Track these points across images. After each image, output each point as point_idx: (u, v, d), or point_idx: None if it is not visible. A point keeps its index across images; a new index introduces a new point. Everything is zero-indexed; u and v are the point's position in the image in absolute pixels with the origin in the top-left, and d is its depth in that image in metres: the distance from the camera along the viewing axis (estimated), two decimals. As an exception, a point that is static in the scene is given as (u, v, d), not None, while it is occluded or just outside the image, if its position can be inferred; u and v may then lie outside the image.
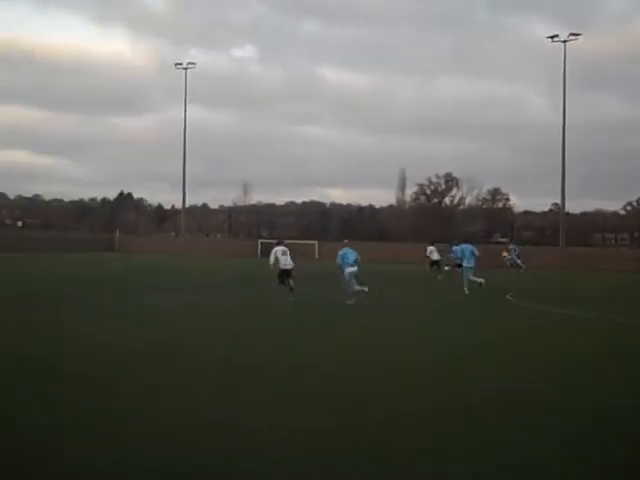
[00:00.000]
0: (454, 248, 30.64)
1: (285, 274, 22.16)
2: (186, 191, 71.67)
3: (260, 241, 64.84)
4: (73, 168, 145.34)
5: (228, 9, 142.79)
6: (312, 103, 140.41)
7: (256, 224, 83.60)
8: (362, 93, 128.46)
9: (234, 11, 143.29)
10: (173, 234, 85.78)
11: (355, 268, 21.30)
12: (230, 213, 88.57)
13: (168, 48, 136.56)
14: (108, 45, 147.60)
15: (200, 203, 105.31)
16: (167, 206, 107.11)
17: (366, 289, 21.30)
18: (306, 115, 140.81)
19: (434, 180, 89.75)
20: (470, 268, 26.29)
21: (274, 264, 22.18)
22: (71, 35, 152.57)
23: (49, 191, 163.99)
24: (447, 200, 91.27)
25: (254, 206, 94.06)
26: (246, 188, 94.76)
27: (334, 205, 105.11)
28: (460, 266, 27.55)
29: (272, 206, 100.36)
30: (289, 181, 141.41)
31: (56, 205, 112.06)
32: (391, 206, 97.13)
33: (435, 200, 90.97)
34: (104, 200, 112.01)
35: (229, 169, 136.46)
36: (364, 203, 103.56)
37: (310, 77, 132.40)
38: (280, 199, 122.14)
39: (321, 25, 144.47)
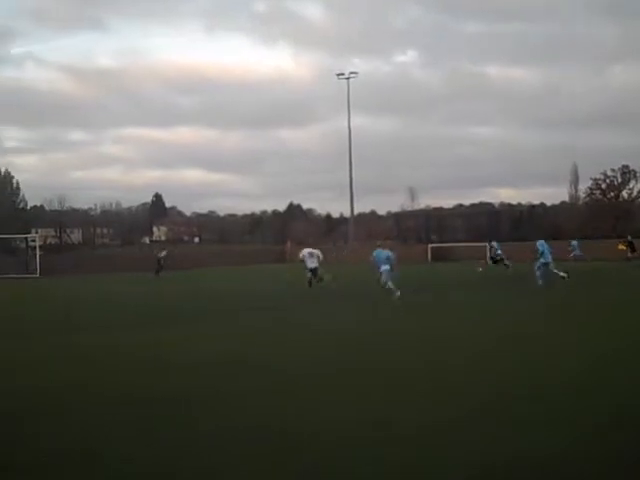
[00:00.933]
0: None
1: (312, 272, 27.68)
2: (353, 199, 72.24)
3: (430, 246, 64.08)
4: (245, 183, 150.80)
5: (387, 15, 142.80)
6: (477, 103, 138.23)
7: (425, 228, 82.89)
8: (529, 89, 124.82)
9: (394, 17, 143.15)
10: (343, 242, 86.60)
11: (387, 266, 23.15)
12: (398, 219, 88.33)
13: (329, 59, 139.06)
14: (272, 61, 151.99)
15: (368, 210, 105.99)
16: (335, 215, 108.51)
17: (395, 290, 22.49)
18: (472, 115, 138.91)
19: (609, 174, 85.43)
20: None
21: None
22: (238, 55, 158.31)
23: (223, 206, 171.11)
24: (624, 194, 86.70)
25: (422, 210, 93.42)
26: (413, 193, 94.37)
27: (503, 205, 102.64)
28: None
29: (440, 209, 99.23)
30: (456, 183, 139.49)
31: (230, 220, 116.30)
32: (563, 203, 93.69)
33: (611, 194, 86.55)
34: (275, 212, 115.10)
35: (395, 175, 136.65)
36: (535, 201, 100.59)
37: (474, 76, 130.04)
38: (448, 202, 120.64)
39: (483, 23, 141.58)
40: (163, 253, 44.80)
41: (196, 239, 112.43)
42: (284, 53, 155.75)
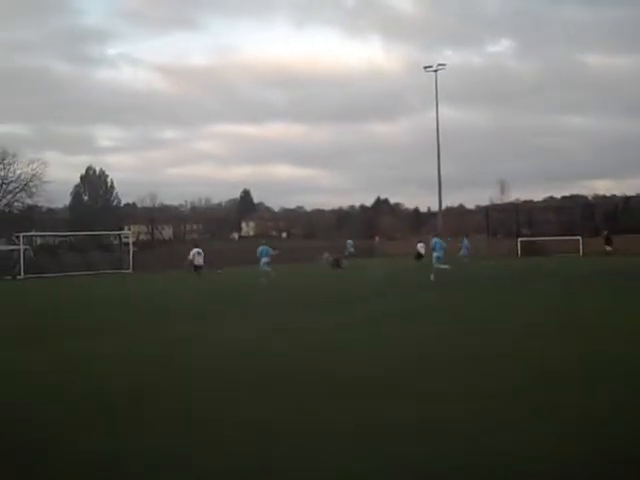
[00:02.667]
0: None
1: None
2: (442, 192, 71.32)
3: (520, 239, 62.73)
4: (332, 178, 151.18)
5: (480, 5, 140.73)
6: (573, 92, 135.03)
7: (515, 222, 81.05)
8: (629, 77, 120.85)
9: (486, 6, 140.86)
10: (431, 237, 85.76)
11: (437, 253, 31.39)
12: (487, 212, 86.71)
13: (420, 51, 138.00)
14: (362, 55, 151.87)
15: (456, 204, 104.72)
16: (423, 209, 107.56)
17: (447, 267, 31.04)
18: (567, 105, 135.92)
19: None
20: None
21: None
22: (328, 49, 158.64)
23: (310, 201, 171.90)
24: None
25: (512, 204, 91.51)
26: (503, 186, 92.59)
27: (597, 197, 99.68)
28: None
29: (531, 202, 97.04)
30: (548, 175, 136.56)
31: (317, 215, 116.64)
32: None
33: None
34: (362, 207, 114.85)
35: (485, 167, 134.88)
36: (632, 193, 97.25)
37: (571, 65, 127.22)
38: (539, 195, 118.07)
39: (580, 10, 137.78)
40: (193, 252, 41.23)
41: (284, 234, 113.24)
42: (374, 46, 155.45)
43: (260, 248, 34.24)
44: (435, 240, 32.87)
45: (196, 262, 36.28)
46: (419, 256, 42.27)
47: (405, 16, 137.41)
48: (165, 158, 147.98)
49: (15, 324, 18.10)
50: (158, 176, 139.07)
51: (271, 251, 34.39)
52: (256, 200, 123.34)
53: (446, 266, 31.19)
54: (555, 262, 42.97)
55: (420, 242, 43.75)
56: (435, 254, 31.71)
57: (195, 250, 36.56)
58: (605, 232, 52.78)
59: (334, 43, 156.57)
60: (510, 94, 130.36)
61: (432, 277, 29.70)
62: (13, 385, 9.94)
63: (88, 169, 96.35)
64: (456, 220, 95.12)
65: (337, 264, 44.27)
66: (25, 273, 45.08)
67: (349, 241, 62.05)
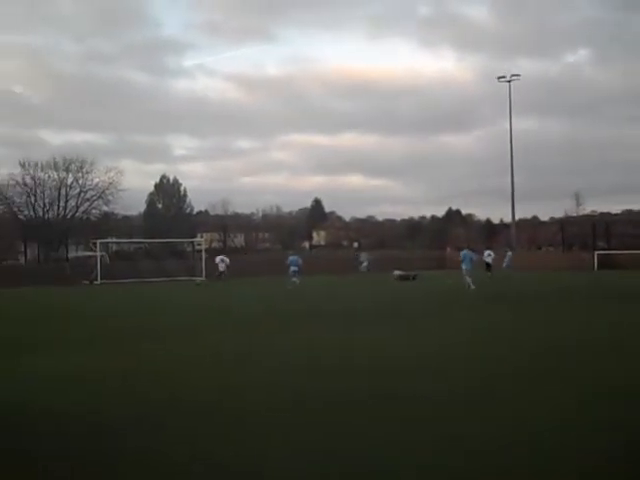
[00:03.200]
0: None
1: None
2: (515, 204, 70.28)
3: (596, 253, 61.29)
4: (404, 188, 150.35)
5: (556, 14, 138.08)
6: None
7: (591, 235, 79.29)
8: None
9: (563, 15, 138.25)
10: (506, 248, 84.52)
11: (465, 266, 32.31)
12: (562, 224, 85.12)
13: (494, 61, 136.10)
14: (435, 65, 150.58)
15: (530, 216, 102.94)
16: (496, 220, 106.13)
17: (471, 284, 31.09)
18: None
19: None
20: None
21: None
22: (401, 59, 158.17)
23: (382, 212, 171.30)
24: None
25: (588, 216, 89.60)
26: (578, 197, 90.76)
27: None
28: None
29: (608, 215, 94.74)
30: (626, 187, 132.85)
31: (388, 225, 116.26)
32: None
33: None
34: (433, 218, 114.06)
35: (559, 179, 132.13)
36: None
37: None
38: (616, 207, 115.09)
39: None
40: (218, 259, 43.81)
41: (355, 244, 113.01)
42: (447, 56, 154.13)
43: (290, 258, 38.09)
44: (464, 253, 33.64)
45: (220, 268, 41.50)
46: (488, 266, 42.43)
47: (479, 26, 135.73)
48: (238, 167, 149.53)
49: (103, 324, 18.51)
50: (231, 184, 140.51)
51: (300, 261, 38.08)
52: (327, 209, 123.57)
53: (470, 280, 31.72)
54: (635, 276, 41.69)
55: (488, 249, 44.20)
56: (463, 266, 32.66)
57: (219, 257, 41.92)
58: None
59: (407, 54, 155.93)
60: (586, 105, 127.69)
61: (471, 285, 31.09)
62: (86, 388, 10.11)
63: (162, 177, 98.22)
64: (529, 232, 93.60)
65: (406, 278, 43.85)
66: (102, 278, 46.09)
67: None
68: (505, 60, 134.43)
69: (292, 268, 37.02)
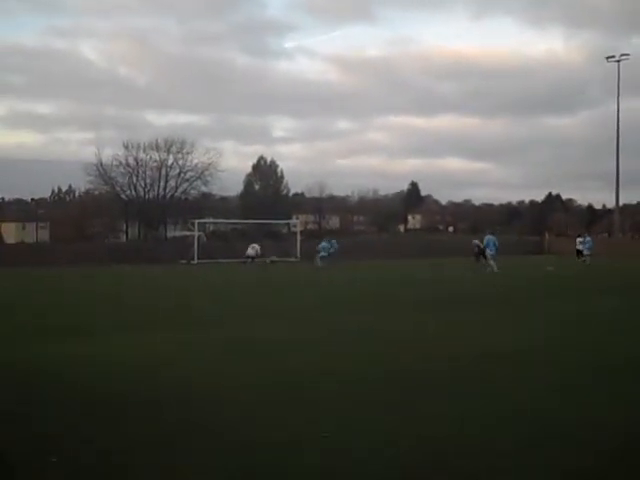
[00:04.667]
0: None
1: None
2: (619, 189, 67.79)
3: None
4: (504, 172, 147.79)
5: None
6: None
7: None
8: None
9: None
10: (606, 234, 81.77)
11: (490, 251, 33.05)
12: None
13: (603, 39, 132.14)
14: (541, 45, 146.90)
15: (635, 201, 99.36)
16: (598, 206, 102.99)
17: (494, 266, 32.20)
18: None
19: None
20: None
21: None
22: (505, 39, 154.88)
23: (479, 196, 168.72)
24: None
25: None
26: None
27: None
28: None
29: None
30: None
31: (485, 209, 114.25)
32: None
33: None
34: (532, 202, 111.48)
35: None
36: None
37: None
38: None
39: None
40: (250, 250, 43.21)
41: (450, 228, 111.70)
42: (554, 35, 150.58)
43: (321, 244, 40.77)
44: (488, 237, 34.33)
45: (247, 253, 42.36)
46: (579, 253, 42.39)
47: (588, 3, 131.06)
48: (335, 149, 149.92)
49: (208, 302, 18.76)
50: (327, 166, 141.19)
51: (329, 248, 40.31)
52: (423, 193, 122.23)
53: (494, 263, 32.69)
54: None
55: (579, 237, 43.64)
56: (488, 251, 33.49)
57: (251, 245, 42.88)
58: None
59: (512, 33, 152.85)
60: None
61: (494, 269, 32.05)
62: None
63: (260, 159, 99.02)
64: (634, 218, 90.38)
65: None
66: (198, 258, 46.82)
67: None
68: (616, 38, 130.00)
69: (322, 253, 39.84)
